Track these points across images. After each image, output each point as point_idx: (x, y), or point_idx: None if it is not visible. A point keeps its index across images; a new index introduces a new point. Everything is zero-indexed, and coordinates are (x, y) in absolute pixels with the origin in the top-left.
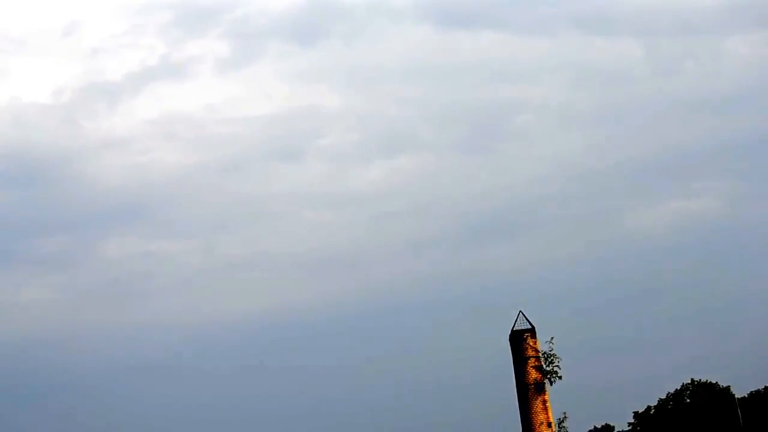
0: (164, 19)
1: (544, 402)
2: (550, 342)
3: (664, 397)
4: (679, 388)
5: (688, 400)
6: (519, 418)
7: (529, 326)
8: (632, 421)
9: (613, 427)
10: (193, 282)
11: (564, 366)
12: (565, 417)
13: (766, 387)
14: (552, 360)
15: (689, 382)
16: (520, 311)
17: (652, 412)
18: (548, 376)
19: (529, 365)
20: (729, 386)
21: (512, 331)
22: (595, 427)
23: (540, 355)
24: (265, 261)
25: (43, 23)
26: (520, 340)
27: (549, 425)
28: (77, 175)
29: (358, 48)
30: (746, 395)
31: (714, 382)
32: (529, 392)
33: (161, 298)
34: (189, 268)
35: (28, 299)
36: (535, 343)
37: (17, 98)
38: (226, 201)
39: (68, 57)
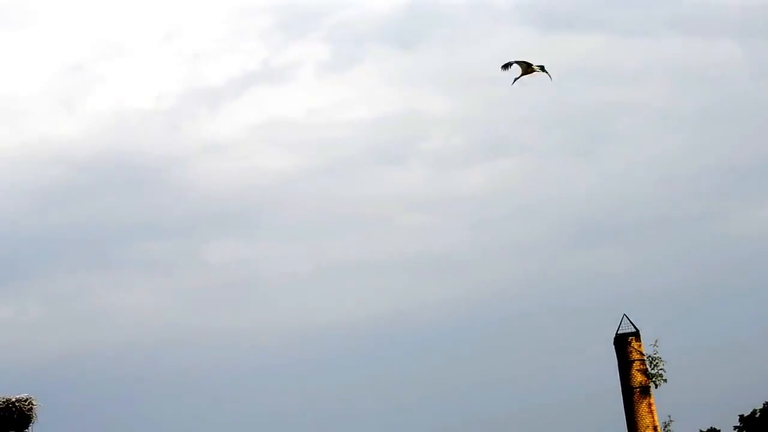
0: (265, 23)
1: (650, 405)
2: (654, 345)
3: None
4: None
5: None
6: (625, 422)
7: (634, 329)
8: (738, 424)
9: (719, 430)
10: (295, 287)
11: (668, 369)
12: (671, 420)
13: None
14: (656, 363)
15: None
16: (624, 314)
17: (757, 416)
18: (653, 379)
19: (634, 368)
20: None
21: (617, 334)
22: (700, 430)
23: (645, 358)
24: (368, 265)
25: (144, 29)
26: (624, 343)
27: (655, 429)
28: (180, 180)
29: (460, 51)
30: None
31: None
32: (634, 396)
33: (264, 303)
34: (292, 273)
35: (132, 303)
36: (639, 346)
37: (120, 104)
38: (329, 205)
39: (170, 62)
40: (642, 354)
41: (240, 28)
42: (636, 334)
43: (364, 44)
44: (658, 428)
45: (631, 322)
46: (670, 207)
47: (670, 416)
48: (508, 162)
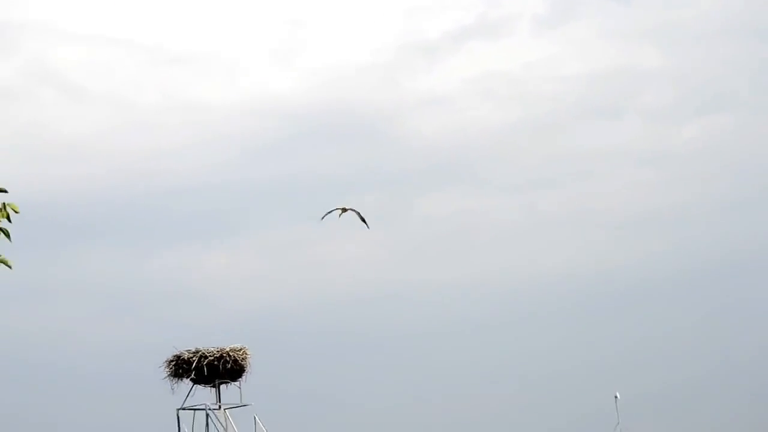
0: None
1: None
2: None
3: None
4: None
5: None
6: None
7: None
8: None
9: None
10: (510, 240)
11: None
12: None
13: None
14: None
15: None
16: None
17: None
18: None
19: None
20: None
21: None
22: None
23: None
24: (582, 219)
25: None
26: None
27: None
28: (396, 133)
29: (676, 5)
30: None
31: None
32: None
33: (478, 256)
34: (506, 226)
35: (346, 256)
36: None
37: (337, 58)
38: (543, 159)
39: (386, 16)
40: None
41: None
42: None
43: None
44: None
45: None
46: None
47: None
48: (722, 117)
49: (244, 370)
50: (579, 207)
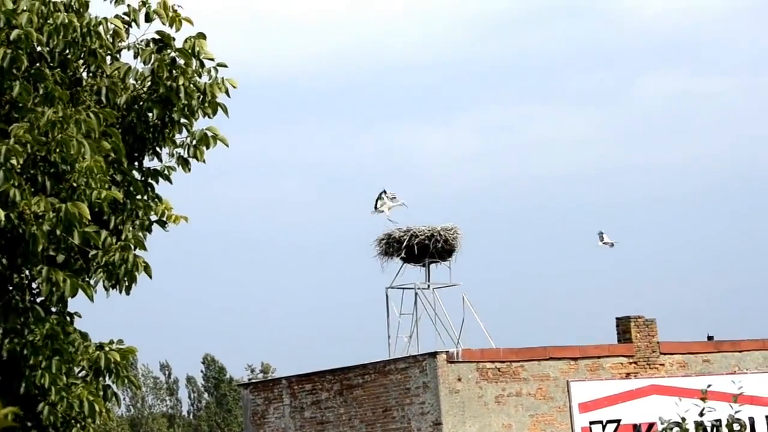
0: None
1: None
2: None
3: None
4: None
5: None
6: None
7: None
8: None
9: None
10: (733, 124)
11: None
12: None
13: None
14: None
15: None
16: None
17: None
18: None
19: None
20: None
21: None
22: None
23: None
24: None
25: None
26: None
27: None
28: (621, 10)
29: None
30: None
31: None
32: None
33: (698, 138)
34: (730, 109)
35: (566, 136)
36: None
37: None
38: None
39: None
40: None
41: None
42: None
43: None
44: None
45: None
46: None
47: None
48: None
49: (455, 250)
50: None
